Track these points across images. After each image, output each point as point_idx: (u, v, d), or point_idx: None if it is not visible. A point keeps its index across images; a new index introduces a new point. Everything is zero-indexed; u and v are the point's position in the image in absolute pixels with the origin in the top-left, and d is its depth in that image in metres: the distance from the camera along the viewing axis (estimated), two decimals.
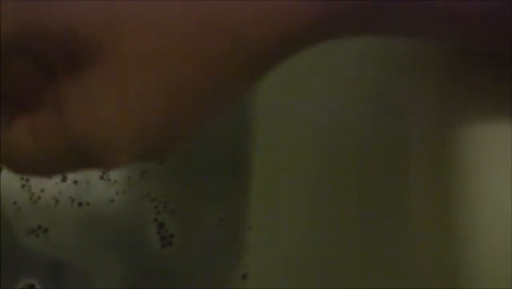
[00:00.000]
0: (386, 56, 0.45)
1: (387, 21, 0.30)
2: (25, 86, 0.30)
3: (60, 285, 0.64)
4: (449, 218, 0.37)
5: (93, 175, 0.68)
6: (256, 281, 0.61)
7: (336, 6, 0.27)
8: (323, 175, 0.51)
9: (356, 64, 0.49)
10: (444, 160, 0.39)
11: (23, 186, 0.67)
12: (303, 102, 0.53)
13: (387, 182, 0.46)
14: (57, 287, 0.63)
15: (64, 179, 0.67)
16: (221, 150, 0.66)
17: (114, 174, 0.67)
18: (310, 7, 0.27)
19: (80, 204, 0.67)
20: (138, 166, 0.67)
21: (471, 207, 0.36)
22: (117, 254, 0.65)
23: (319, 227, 0.51)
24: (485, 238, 0.36)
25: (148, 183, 0.67)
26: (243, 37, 0.27)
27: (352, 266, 0.48)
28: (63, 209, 0.67)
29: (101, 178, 0.67)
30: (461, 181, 0.37)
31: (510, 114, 0.38)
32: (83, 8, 0.27)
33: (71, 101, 0.29)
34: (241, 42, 0.27)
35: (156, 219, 0.66)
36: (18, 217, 0.67)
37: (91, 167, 0.31)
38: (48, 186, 0.67)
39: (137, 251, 0.65)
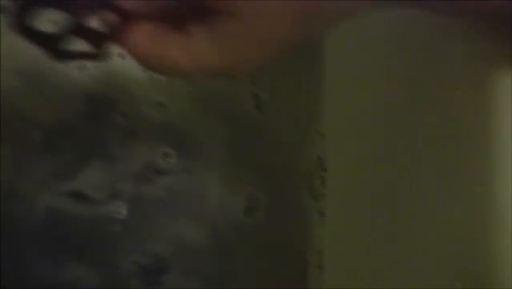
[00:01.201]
0: None
1: None
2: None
3: (185, 150, 0.80)
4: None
5: None
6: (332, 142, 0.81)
7: None
8: None
9: None
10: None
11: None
12: None
13: None
14: (184, 153, 0.80)
15: None
16: None
17: None
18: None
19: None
20: None
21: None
22: (223, 121, 0.82)
23: None
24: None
25: None
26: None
27: None
28: (177, 86, 0.81)
29: None
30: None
31: None
32: None
33: (220, 34, 0.41)
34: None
35: (252, 91, 0.82)
36: (141, 94, 0.81)
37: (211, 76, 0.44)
38: None
39: (239, 118, 0.82)
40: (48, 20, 0.40)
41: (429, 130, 0.60)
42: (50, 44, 0.40)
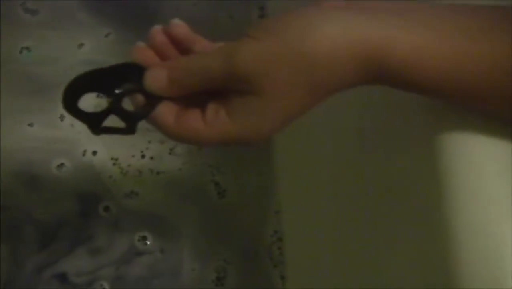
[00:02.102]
0: None
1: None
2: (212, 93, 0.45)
3: (159, 233, 0.90)
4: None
5: (164, 151, 0.93)
6: (288, 216, 0.91)
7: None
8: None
9: None
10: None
11: (114, 164, 0.91)
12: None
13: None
14: (159, 235, 0.90)
15: (143, 156, 0.92)
16: None
17: (178, 150, 0.94)
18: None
19: (158, 173, 0.92)
20: None
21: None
22: (189, 205, 0.92)
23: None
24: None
25: (204, 154, 0.94)
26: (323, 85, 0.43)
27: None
28: (147, 177, 0.92)
29: (170, 153, 0.93)
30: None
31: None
32: (245, 55, 0.42)
33: (239, 111, 0.44)
34: (320, 88, 0.44)
35: (212, 179, 0.93)
36: (115, 186, 0.91)
37: (228, 145, 0.46)
38: (133, 162, 0.92)
39: (203, 203, 0.93)
40: (91, 102, 0.48)
41: (379, 198, 0.62)
42: (92, 121, 0.46)
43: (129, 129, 0.46)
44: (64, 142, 0.92)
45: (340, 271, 0.70)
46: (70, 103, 0.45)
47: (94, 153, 0.92)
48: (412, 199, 0.54)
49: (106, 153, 0.92)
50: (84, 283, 0.86)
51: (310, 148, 0.79)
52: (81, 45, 0.96)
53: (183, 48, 0.49)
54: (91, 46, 0.96)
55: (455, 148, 0.48)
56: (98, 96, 0.47)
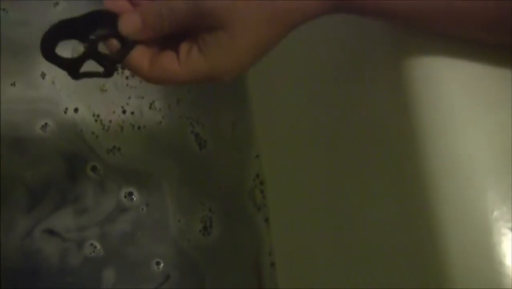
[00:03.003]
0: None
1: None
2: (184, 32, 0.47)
3: (144, 187, 0.93)
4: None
5: (144, 106, 0.95)
6: (268, 159, 0.93)
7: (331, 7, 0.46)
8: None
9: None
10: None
11: (95, 120, 0.93)
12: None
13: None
14: (143, 189, 0.92)
15: (124, 112, 0.94)
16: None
17: (158, 104, 0.96)
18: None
19: (139, 128, 0.94)
20: (174, 96, 0.96)
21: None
22: (171, 158, 0.95)
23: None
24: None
25: (183, 107, 0.96)
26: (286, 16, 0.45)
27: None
28: (128, 132, 0.94)
29: (150, 108, 0.95)
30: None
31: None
32: None
33: (209, 47, 0.46)
34: (284, 19, 0.46)
35: (192, 131, 0.96)
36: (97, 142, 0.93)
37: (203, 83, 0.48)
38: (114, 118, 0.94)
39: (184, 155, 0.95)
40: (68, 48, 0.50)
41: (356, 133, 0.63)
42: (71, 66, 0.48)
43: (107, 72, 0.48)
44: (45, 102, 0.93)
45: (321, 211, 0.73)
46: (48, 51, 0.47)
47: (76, 110, 0.93)
48: (385, 130, 0.56)
49: (87, 109, 0.93)
50: (75, 240, 0.88)
51: (286, 90, 0.82)
52: (56, 4, 0.97)
53: None
54: (66, 5, 0.97)
55: (421, 72, 0.50)
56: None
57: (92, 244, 0.88)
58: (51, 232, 0.88)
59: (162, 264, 0.89)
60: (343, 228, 0.67)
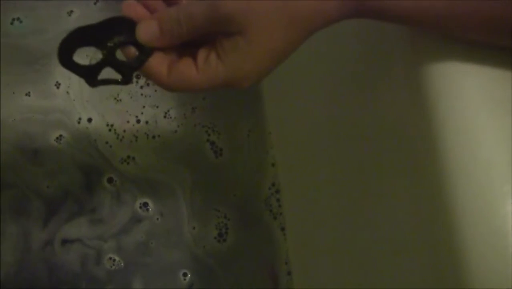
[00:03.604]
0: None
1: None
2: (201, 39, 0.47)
3: (159, 197, 0.92)
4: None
5: (159, 115, 0.95)
6: (284, 168, 0.93)
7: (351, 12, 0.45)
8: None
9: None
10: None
11: (109, 130, 0.93)
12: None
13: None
14: (158, 199, 0.92)
15: (138, 121, 0.94)
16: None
17: (173, 113, 0.95)
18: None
19: (153, 137, 0.94)
20: (189, 104, 0.96)
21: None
22: (185, 167, 0.94)
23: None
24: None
25: (198, 115, 0.96)
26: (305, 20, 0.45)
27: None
28: (142, 142, 0.93)
29: (164, 117, 0.95)
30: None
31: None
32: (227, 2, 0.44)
33: (227, 52, 0.45)
34: (303, 24, 0.46)
35: (208, 139, 0.95)
36: (111, 152, 0.92)
37: (221, 89, 0.48)
38: (128, 127, 0.94)
39: (199, 163, 0.94)
40: (86, 56, 0.50)
41: (373, 139, 0.63)
42: (88, 74, 0.47)
43: (125, 80, 0.48)
44: (59, 112, 0.93)
45: (338, 218, 0.73)
46: (66, 58, 0.47)
47: (89, 120, 0.93)
48: (404, 135, 0.55)
49: (101, 119, 0.93)
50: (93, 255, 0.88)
51: (301, 97, 0.81)
52: (70, 12, 0.97)
53: (170, 1, 0.50)
54: (80, 13, 0.97)
55: (440, 76, 0.49)
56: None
57: (110, 258, 0.88)
58: (67, 242, 0.88)
59: (185, 272, 0.89)
60: (361, 235, 0.67)
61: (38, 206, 0.89)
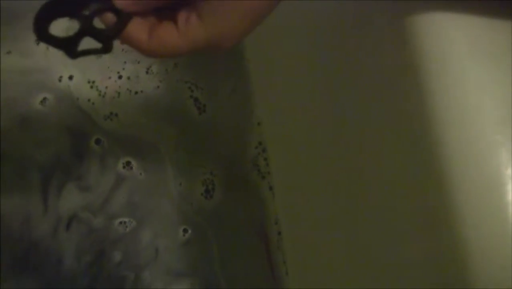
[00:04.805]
0: None
1: None
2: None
3: (142, 155, 0.91)
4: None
5: (140, 70, 0.93)
6: (270, 126, 0.92)
7: None
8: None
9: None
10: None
11: (91, 87, 0.91)
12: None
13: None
14: (142, 157, 0.90)
15: (120, 77, 0.92)
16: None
17: (155, 68, 0.93)
18: None
19: (136, 93, 0.92)
20: (171, 60, 0.94)
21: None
22: (169, 123, 0.92)
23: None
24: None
25: (180, 71, 0.94)
26: None
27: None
28: (125, 98, 0.92)
29: (146, 72, 0.93)
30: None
31: None
32: None
33: (207, 13, 0.44)
34: None
35: (191, 95, 0.94)
36: (93, 109, 0.91)
37: (203, 52, 0.47)
38: (110, 84, 0.92)
39: (183, 120, 0.93)
40: (62, 27, 0.49)
41: (360, 95, 0.62)
42: (67, 45, 0.45)
43: (106, 48, 0.46)
44: (40, 71, 0.91)
45: (327, 176, 0.72)
46: (42, 31, 0.45)
47: (71, 77, 0.91)
48: (391, 89, 0.55)
49: (82, 76, 0.91)
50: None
51: (285, 55, 0.80)
52: None
53: None
54: None
55: (425, 28, 0.49)
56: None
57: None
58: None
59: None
60: (349, 193, 0.66)
61: (36, 176, 0.88)
